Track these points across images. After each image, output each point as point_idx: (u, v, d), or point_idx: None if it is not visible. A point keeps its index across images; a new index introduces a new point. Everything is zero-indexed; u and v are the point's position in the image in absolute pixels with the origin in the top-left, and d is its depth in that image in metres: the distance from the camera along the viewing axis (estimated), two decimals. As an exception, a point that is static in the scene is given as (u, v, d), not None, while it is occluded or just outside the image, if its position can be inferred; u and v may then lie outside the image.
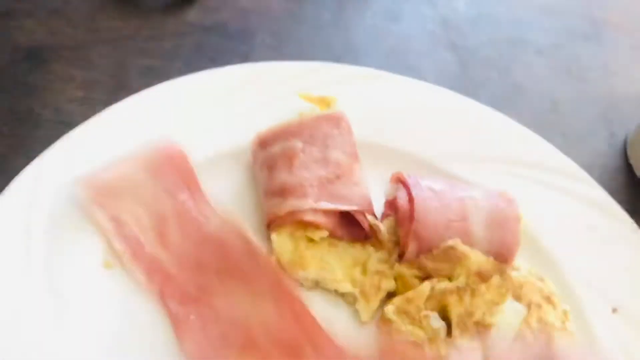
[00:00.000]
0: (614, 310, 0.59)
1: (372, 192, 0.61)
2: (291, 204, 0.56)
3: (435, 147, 0.67)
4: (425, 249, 0.57)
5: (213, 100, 0.66)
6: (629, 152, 0.76)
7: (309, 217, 0.56)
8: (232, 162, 0.64)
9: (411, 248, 0.57)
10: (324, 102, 0.64)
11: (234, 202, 0.62)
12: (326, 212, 0.57)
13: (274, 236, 0.57)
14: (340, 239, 0.59)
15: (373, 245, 0.59)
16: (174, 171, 0.60)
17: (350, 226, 0.59)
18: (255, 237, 0.59)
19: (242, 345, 0.54)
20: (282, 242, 0.57)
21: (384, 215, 0.61)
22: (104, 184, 0.58)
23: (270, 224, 0.58)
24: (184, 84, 0.67)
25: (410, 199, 0.57)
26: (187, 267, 0.57)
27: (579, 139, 0.77)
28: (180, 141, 0.63)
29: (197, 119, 0.65)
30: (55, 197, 0.58)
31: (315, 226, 0.57)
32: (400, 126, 0.68)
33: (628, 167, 0.76)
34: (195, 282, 0.56)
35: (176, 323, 0.55)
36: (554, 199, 0.65)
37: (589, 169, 0.69)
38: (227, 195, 0.62)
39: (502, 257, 0.58)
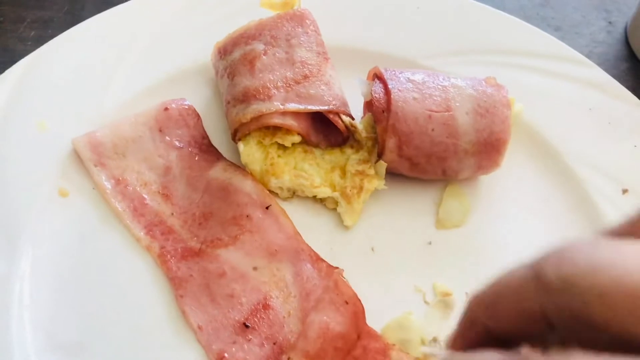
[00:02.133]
0: (624, 192, 0.54)
1: (350, 98, 0.55)
2: (255, 108, 0.51)
3: (415, 45, 0.62)
4: (406, 144, 0.51)
5: (172, 17, 0.62)
6: (630, 39, 0.70)
7: (276, 120, 0.51)
8: (196, 78, 0.59)
9: (390, 144, 0.51)
10: (287, 5, 0.59)
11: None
12: (296, 115, 0.52)
13: (240, 145, 0.52)
14: (315, 145, 0.54)
15: (351, 147, 0.54)
16: (180, 125, 0.56)
17: (326, 131, 0.54)
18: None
19: (255, 308, 0.48)
20: (250, 151, 0.52)
21: (363, 117, 0.56)
22: (106, 143, 0.54)
23: (236, 133, 0.53)
24: (140, 3, 0.62)
25: (387, 92, 0.52)
26: (191, 217, 0.52)
27: (574, 31, 0.71)
28: (140, 61, 0.59)
29: (157, 37, 0.60)
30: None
31: (285, 130, 0.52)
32: (376, 27, 0.62)
33: (631, 54, 0.70)
34: (199, 235, 0.52)
35: (177, 284, 0.49)
36: (549, 85, 0.60)
37: (587, 57, 0.63)
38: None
39: (492, 147, 0.52)
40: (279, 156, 0.53)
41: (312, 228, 0.53)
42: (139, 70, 0.58)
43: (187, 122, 0.56)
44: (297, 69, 0.53)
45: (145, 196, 0.53)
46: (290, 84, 0.53)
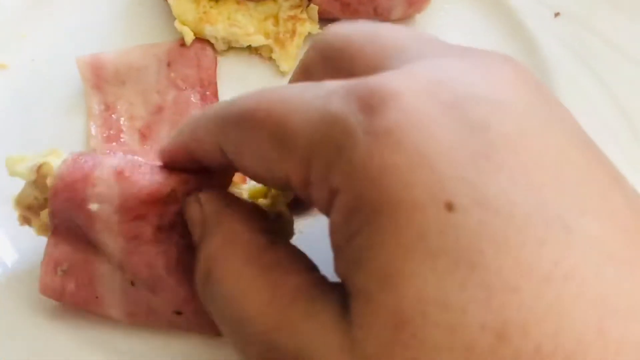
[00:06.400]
0: (556, 15, 0.54)
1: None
2: (181, -41, 0.52)
3: None
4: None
5: None
6: None
7: (202, -32, 0.52)
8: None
9: (319, -17, 0.52)
10: None
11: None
12: (223, -35, 0.52)
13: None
14: (248, -2, 0.55)
15: (283, -4, 0.55)
16: (191, 65, 0.53)
17: (257, -17, 0.55)
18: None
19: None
20: (182, 4, 0.53)
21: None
22: (108, 67, 0.53)
23: (165, -12, 0.53)
24: None
25: None
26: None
27: None
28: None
29: None
30: None
31: (214, -21, 0.52)
32: None
33: None
34: None
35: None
36: None
37: None
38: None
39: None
40: (211, 7, 0.53)
41: (249, 79, 0.53)
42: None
43: (199, 62, 0.54)
44: None
45: (125, 130, 0.52)
46: None
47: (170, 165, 0.34)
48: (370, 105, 0.22)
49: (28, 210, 0.37)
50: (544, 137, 0.21)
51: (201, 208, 0.30)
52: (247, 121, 0.26)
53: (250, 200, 0.35)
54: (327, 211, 0.24)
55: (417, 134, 0.21)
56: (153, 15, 0.56)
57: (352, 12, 0.54)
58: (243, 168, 0.28)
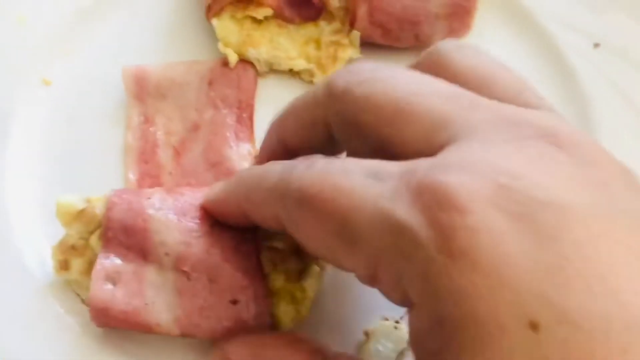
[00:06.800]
0: (596, 46, 0.55)
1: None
2: (227, -18, 0.52)
3: None
4: (378, 10, 0.52)
5: None
6: None
7: (248, -8, 0.52)
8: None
9: (361, 11, 0.52)
10: None
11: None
12: (267, -13, 0.53)
13: (214, 21, 0.53)
14: (289, 20, 0.55)
15: (324, 20, 0.55)
16: (232, 85, 0.53)
17: (299, 5, 0.55)
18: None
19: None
20: (225, 26, 0.53)
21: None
22: (151, 79, 0.53)
23: (210, 10, 0.54)
24: None
25: (356, -41, 0.53)
26: (183, 185, 0.50)
27: None
28: None
29: None
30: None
31: (257, 3, 0.53)
32: None
33: None
34: None
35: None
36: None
37: None
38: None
39: (462, 9, 0.53)
40: (254, 30, 0.54)
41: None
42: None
43: (240, 83, 0.54)
44: (267, -55, 0.54)
45: (160, 145, 0.52)
46: (261, -41, 0.53)
47: (219, 217, 0.36)
48: (439, 220, 0.22)
49: (72, 251, 0.39)
50: (611, 234, 0.22)
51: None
52: (309, 205, 0.26)
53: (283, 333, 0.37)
54: (399, 305, 0.25)
55: (491, 252, 0.21)
56: (196, 34, 0.57)
57: (393, 39, 0.54)
58: (302, 241, 0.29)
